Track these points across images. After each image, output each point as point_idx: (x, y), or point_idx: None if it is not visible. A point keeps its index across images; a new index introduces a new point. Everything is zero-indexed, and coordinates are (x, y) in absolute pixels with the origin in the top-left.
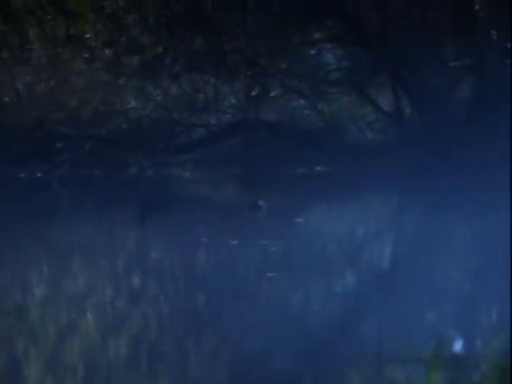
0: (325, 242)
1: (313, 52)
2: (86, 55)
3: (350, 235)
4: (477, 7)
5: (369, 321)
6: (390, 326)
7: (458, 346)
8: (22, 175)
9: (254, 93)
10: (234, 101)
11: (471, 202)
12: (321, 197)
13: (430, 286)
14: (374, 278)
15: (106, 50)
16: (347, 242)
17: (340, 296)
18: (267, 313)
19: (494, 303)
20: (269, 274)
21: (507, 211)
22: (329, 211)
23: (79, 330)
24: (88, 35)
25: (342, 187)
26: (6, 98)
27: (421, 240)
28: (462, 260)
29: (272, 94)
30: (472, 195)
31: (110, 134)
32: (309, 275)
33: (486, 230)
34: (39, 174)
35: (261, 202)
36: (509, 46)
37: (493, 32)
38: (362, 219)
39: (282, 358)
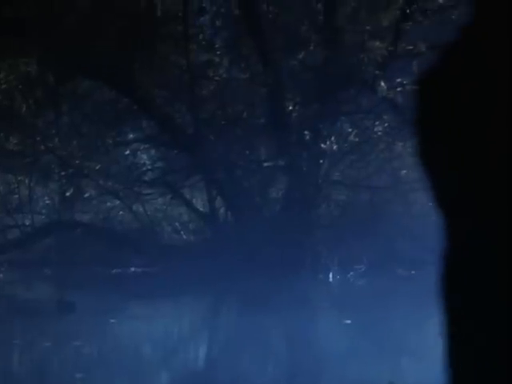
0: (138, 342)
1: (127, 152)
2: None
3: (165, 336)
4: (290, 107)
5: None
6: None
7: None
8: None
9: (68, 193)
10: (48, 201)
11: (287, 301)
12: (135, 297)
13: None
14: (188, 377)
15: None
16: (161, 343)
17: None
18: None
19: None
20: (78, 375)
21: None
22: (143, 311)
23: None
24: None
25: (157, 288)
26: None
27: (235, 340)
28: (277, 359)
29: (86, 195)
30: (288, 295)
31: None
32: (121, 376)
33: (300, 331)
34: None
35: (75, 303)
36: None
37: (305, 133)
38: (177, 319)
39: None
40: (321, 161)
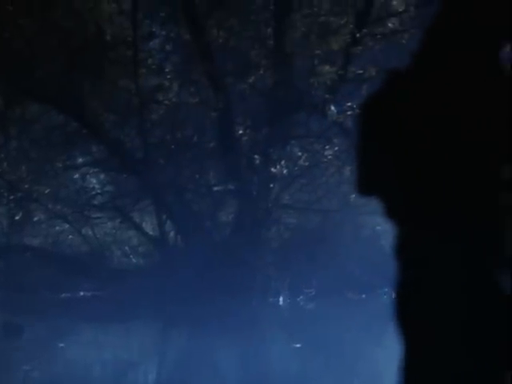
0: (88, 367)
1: (76, 176)
2: None
3: (115, 360)
4: (240, 132)
5: None
6: None
7: None
8: None
9: (17, 217)
10: None
11: (237, 325)
12: (85, 321)
13: None
14: None
15: None
16: (111, 367)
17: None
18: None
19: None
20: None
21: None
22: (93, 336)
23: None
24: None
25: (107, 312)
26: None
27: (185, 364)
28: (227, 382)
29: (36, 219)
30: (238, 319)
31: None
32: None
33: (250, 354)
34: None
35: (23, 326)
36: None
37: (255, 157)
38: (127, 343)
39: None
40: (271, 184)
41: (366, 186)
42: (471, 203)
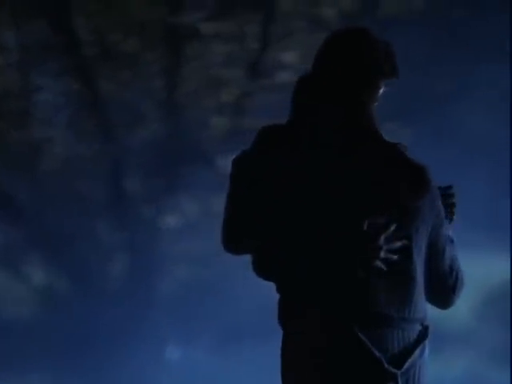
0: None
1: None
2: None
3: None
4: (131, 183)
5: None
6: None
7: None
8: None
9: None
10: None
11: (126, 378)
12: None
13: None
14: None
15: None
16: None
17: None
18: None
19: None
20: None
21: None
22: None
23: None
24: None
25: None
26: None
27: None
28: None
29: None
30: (128, 371)
31: None
32: None
33: None
34: None
35: None
36: None
37: (146, 209)
38: None
39: None
40: (162, 236)
41: (233, 238)
42: (332, 267)
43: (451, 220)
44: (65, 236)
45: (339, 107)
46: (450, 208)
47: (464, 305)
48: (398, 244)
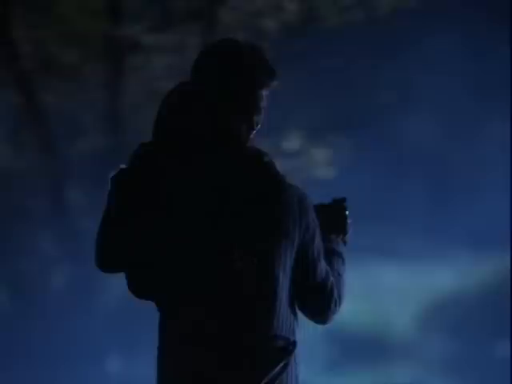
0: None
1: None
2: None
3: None
4: (72, 195)
5: None
6: None
7: None
8: None
9: None
10: None
11: None
12: None
13: None
14: None
15: None
16: None
17: None
18: None
19: None
20: None
21: None
22: None
23: None
24: None
25: None
26: None
27: None
28: None
29: None
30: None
31: None
32: None
33: None
34: None
35: None
36: None
37: (87, 221)
38: None
39: None
40: None
41: (110, 263)
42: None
43: (345, 234)
44: (4, 249)
45: (209, 117)
46: (342, 221)
47: (407, 314)
48: (253, 258)
